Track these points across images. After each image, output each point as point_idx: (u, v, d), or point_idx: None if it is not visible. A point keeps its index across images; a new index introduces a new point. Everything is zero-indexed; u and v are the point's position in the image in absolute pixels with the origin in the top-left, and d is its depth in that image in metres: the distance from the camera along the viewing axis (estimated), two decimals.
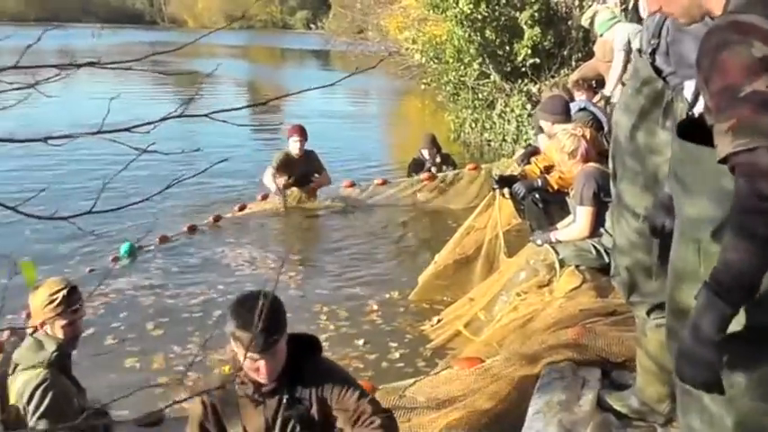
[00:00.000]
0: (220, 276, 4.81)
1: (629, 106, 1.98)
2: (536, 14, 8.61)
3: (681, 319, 1.40)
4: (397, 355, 3.66)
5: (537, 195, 4.07)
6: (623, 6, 5.76)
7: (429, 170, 6.58)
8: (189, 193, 6.33)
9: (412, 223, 6.10)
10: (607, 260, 3.26)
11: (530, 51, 8.70)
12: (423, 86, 11.11)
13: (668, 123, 1.88)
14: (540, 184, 4.03)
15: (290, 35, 42.45)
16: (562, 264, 3.45)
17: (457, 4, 8.52)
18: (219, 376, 2.04)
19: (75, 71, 1.04)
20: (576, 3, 8.83)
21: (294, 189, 6.18)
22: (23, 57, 1.02)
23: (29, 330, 2.43)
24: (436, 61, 9.99)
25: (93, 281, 4.48)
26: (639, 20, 4.96)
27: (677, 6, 1.41)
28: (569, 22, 8.94)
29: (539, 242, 3.62)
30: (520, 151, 6.43)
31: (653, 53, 1.89)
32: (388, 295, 4.42)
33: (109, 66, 1.07)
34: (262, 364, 1.89)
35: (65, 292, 2.35)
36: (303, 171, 6.27)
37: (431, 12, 9.66)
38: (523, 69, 8.97)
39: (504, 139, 9.17)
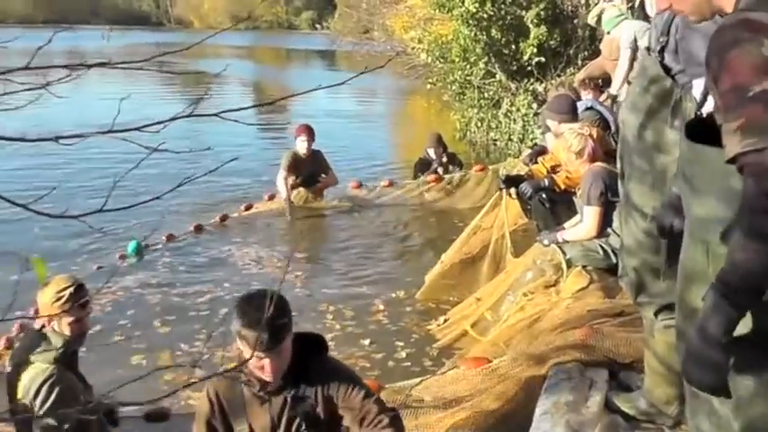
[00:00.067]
0: (227, 275, 4.82)
1: (637, 105, 1.97)
2: (542, 13, 8.58)
3: (690, 321, 1.39)
4: (403, 354, 3.66)
5: (544, 195, 4.05)
6: (630, 4, 5.73)
7: (435, 170, 6.57)
8: (196, 192, 6.35)
9: (418, 223, 6.10)
10: (614, 260, 3.25)
11: (536, 50, 8.68)
12: (428, 86, 11.10)
13: (676, 122, 1.87)
14: (546, 183, 4.02)
15: (295, 35, 42.52)
16: (569, 264, 3.44)
17: (463, 3, 8.50)
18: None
19: (85, 72, 1.04)
20: (583, 1, 8.80)
21: (301, 189, 6.19)
22: (34, 58, 1.03)
23: (36, 326, 2.46)
24: (442, 60, 9.97)
25: (100, 278, 4.52)
26: (646, 17, 4.95)
27: (687, 4, 1.40)
28: (575, 21, 8.91)
29: (546, 242, 3.61)
30: (526, 151, 6.42)
31: (661, 51, 1.87)
32: (394, 295, 4.42)
33: (119, 66, 1.08)
34: (267, 362, 1.89)
35: (72, 289, 2.37)
36: (310, 171, 6.29)
37: (437, 11, 9.64)
38: (529, 68, 8.94)
39: (509, 139, 9.15)
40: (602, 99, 5.15)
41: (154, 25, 51.21)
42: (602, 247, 3.45)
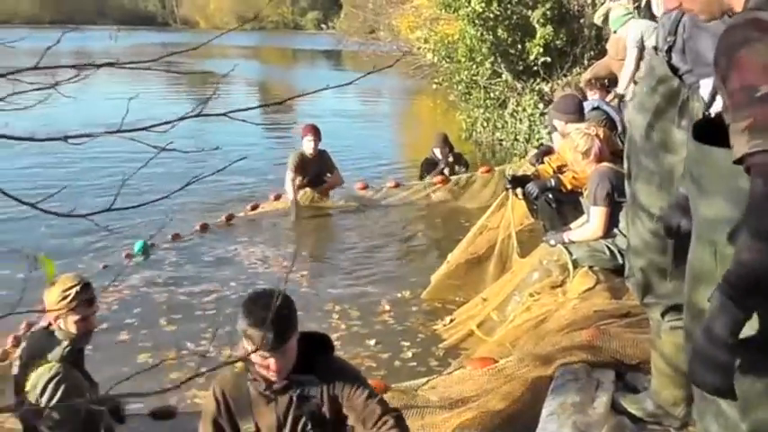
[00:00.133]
0: (233, 274, 4.83)
1: (645, 105, 1.96)
2: (548, 13, 8.56)
3: (698, 322, 1.38)
4: (409, 354, 3.65)
5: (550, 195, 4.04)
6: (636, 4, 5.71)
7: (442, 171, 6.57)
8: (202, 190, 6.37)
9: (424, 223, 6.09)
10: (621, 261, 3.24)
11: (542, 50, 8.65)
12: (434, 86, 11.09)
13: (684, 122, 1.86)
14: (553, 183, 4.01)
15: (301, 36, 42.58)
16: (575, 264, 3.43)
17: (469, 3, 8.49)
18: (231, 372, 2.06)
19: (94, 72, 1.05)
20: (589, 0, 8.77)
21: (307, 189, 6.20)
22: (46, 58, 1.03)
23: (43, 325, 2.47)
24: (448, 60, 9.96)
25: (107, 277, 4.54)
26: (652, 17, 4.92)
27: (697, 2, 1.39)
28: (581, 20, 8.88)
29: (552, 242, 3.60)
30: (532, 151, 6.40)
31: (669, 51, 1.86)
32: (400, 294, 4.41)
33: (127, 66, 1.08)
34: (272, 362, 1.90)
35: (78, 288, 2.39)
36: (316, 171, 6.30)
37: (443, 11, 9.63)
38: (535, 68, 8.92)
39: (515, 139, 9.13)
40: (608, 99, 5.13)
41: (160, 25, 51.37)
42: (608, 248, 3.44)
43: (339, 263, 5.17)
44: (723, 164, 1.28)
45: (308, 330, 2.12)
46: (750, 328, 1.25)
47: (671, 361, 2.06)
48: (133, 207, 1.14)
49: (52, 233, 5.36)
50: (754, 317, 1.25)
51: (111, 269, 4.76)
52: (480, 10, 8.44)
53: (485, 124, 9.75)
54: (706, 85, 1.73)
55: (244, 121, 1.08)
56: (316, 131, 6.26)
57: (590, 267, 3.41)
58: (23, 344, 2.49)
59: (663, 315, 2.05)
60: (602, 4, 6.03)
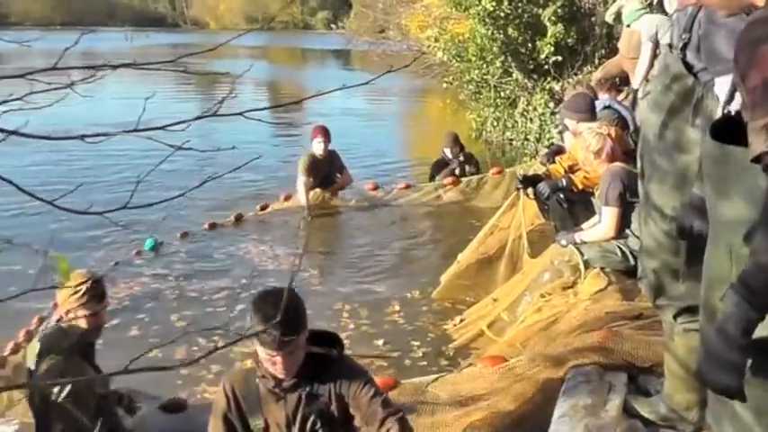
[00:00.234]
0: (244, 271, 4.85)
1: (659, 103, 1.93)
2: (559, 11, 8.51)
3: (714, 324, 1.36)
4: (419, 353, 3.64)
5: (561, 195, 4.01)
6: (648, 1, 5.65)
7: (453, 171, 6.56)
8: (211, 188, 6.37)
9: (435, 222, 6.08)
10: (633, 262, 3.21)
11: (553, 49, 8.60)
12: (444, 85, 11.06)
13: (698, 121, 1.83)
14: (564, 183, 3.97)
15: (310, 35, 42.63)
16: (587, 265, 3.40)
17: (480, 1, 8.46)
18: (241, 369, 2.06)
19: (110, 72, 1.06)
20: None
21: (317, 189, 6.21)
22: (53, 59, 1.04)
23: (54, 319, 2.50)
24: (458, 59, 9.93)
25: (117, 273, 4.59)
26: (665, 14, 4.87)
27: None
28: (593, 18, 8.82)
29: (563, 243, 3.57)
30: (543, 150, 6.37)
31: (684, 48, 1.83)
32: (410, 294, 4.40)
33: (144, 66, 1.09)
34: (280, 359, 1.91)
35: (89, 283, 2.44)
36: (327, 172, 6.31)
37: (453, 10, 9.61)
38: (546, 67, 8.87)
39: (526, 138, 9.09)
40: (620, 98, 5.09)
41: (169, 26, 51.61)
42: (620, 249, 3.41)
43: (349, 262, 5.16)
44: (741, 163, 1.25)
45: (317, 329, 2.12)
46: (763, 329, 1.23)
47: (684, 364, 2.03)
48: (149, 205, 1.14)
49: (62, 228, 5.41)
50: None
51: (121, 266, 4.81)
52: (491, 8, 8.42)
53: (495, 124, 9.72)
54: (721, 83, 1.69)
55: (260, 120, 1.08)
56: (325, 133, 6.26)
57: (601, 268, 3.38)
58: (35, 338, 2.52)
59: (675, 317, 2.02)
60: (614, 1, 5.98)
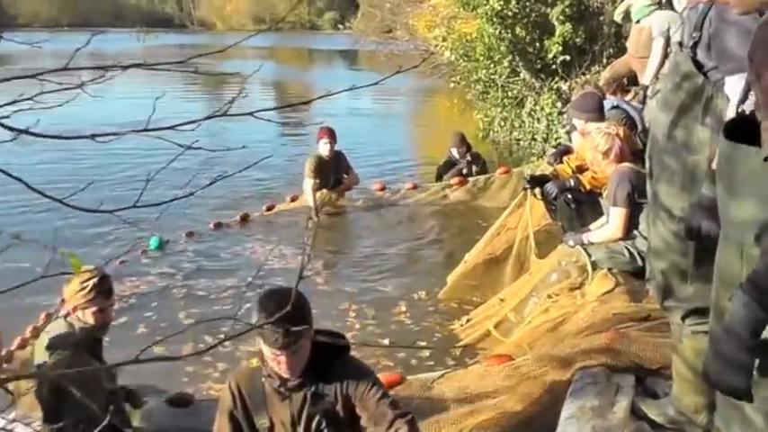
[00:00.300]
0: (250, 270, 4.84)
1: (668, 102, 1.92)
2: (567, 10, 8.48)
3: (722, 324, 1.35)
4: (426, 353, 3.64)
5: (569, 196, 4.00)
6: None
7: (460, 171, 6.55)
8: (218, 186, 6.38)
9: (442, 222, 6.07)
10: (640, 263, 3.19)
11: (560, 48, 8.57)
12: (452, 85, 11.05)
13: (707, 120, 1.81)
14: (572, 184, 3.96)
15: (318, 36, 42.68)
16: (594, 266, 3.39)
17: (487, 1, 8.44)
18: (247, 368, 2.07)
19: (119, 72, 1.07)
20: None
21: (324, 190, 6.22)
22: (60, 60, 1.05)
23: (62, 315, 2.53)
24: (466, 59, 9.91)
25: (124, 272, 4.62)
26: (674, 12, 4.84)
27: None
28: (601, 18, 8.78)
29: (571, 243, 3.56)
30: (550, 150, 6.34)
31: (694, 47, 1.81)
32: (416, 294, 4.39)
33: (154, 67, 1.09)
34: (283, 359, 1.92)
35: (96, 279, 2.45)
36: (334, 173, 6.31)
37: (461, 9, 9.59)
38: (554, 67, 8.85)
39: (533, 138, 9.07)
40: (628, 98, 5.06)
41: (177, 27, 51.78)
42: (628, 250, 3.39)
43: (356, 261, 5.16)
44: (754, 163, 1.24)
45: (323, 328, 2.12)
46: None
47: (692, 366, 2.01)
48: (158, 204, 1.15)
49: (68, 225, 5.45)
50: None
51: (128, 264, 4.84)
52: (499, 8, 8.40)
53: (502, 124, 9.70)
54: (731, 82, 1.68)
55: (269, 120, 1.08)
56: (331, 134, 6.27)
57: (609, 269, 3.36)
58: (43, 333, 2.54)
59: (683, 319, 2.01)
60: (623, 0, 5.95)
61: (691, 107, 1.85)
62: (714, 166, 1.61)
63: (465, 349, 3.61)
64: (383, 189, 6.56)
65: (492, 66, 9.33)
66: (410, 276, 4.79)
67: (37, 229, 5.23)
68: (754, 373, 1.24)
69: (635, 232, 3.42)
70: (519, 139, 9.43)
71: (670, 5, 4.96)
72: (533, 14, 8.64)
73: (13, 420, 2.48)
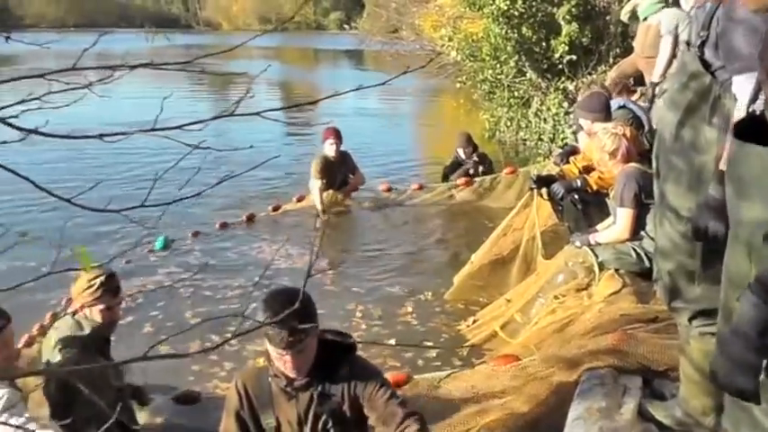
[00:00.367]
0: (257, 270, 4.87)
1: (676, 101, 1.90)
2: (573, 10, 8.46)
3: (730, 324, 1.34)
4: (433, 353, 3.64)
5: (576, 196, 3.98)
6: None
7: (467, 171, 6.54)
8: (224, 185, 6.40)
9: (448, 223, 6.07)
10: (647, 264, 3.18)
11: (567, 48, 8.56)
12: (458, 85, 11.04)
13: (715, 120, 1.80)
14: (579, 184, 3.95)
15: (323, 36, 42.75)
16: (601, 267, 3.37)
17: (493, 0, 8.43)
18: (254, 367, 2.07)
19: (127, 72, 1.07)
20: None
21: (330, 191, 6.22)
22: (67, 60, 1.05)
23: (69, 313, 2.55)
24: (472, 59, 9.91)
25: (130, 271, 4.64)
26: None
27: None
28: (607, 17, 8.76)
29: (577, 244, 3.54)
30: (556, 150, 6.33)
31: (701, 46, 1.80)
32: (422, 295, 4.39)
33: (161, 67, 1.10)
34: (289, 359, 1.92)
35: (103, 278, 2.47)
36: (339, 173, 6.31)
37: (467, 9, 9.58)
38: (560, 66, 8.83)
39: (540, 138, 9.05)
40: (634, 98, 5.04)
41: (183, 27, 51.93)
42: (634, 251, 3.37)
43: (362, 262, 5.16)
44: (763, 163, 1.23)
45: (330, 329, 2.12)
46: None
47: (700, 368, 2.00)
48: (165, 204, 1.16)
49: (75, 224, 5.47)
50: None
51: (134, 263, 4.87)
52: (505, 8, 8.39)
53: (508, 124, 9.68)
54: (739, 82, 1.67)
55: (276, 120, 1.09)
56: (337, 134, 6.27)
57: (616, 270, 3.35)
58: (50, 331, 2.55)
59: (690, 320, 2.00)
60: (629, 0, 5.93)
61: (698, 107, 1.83)
62: (722, 166, 1.60)
63: (472, 350, 3.61)
64: (389, 189, 6.58)
65: (498, 66, 9.32)
66: (416, 276, 4.79)
67: (44, 227, 5.26)
68: (763, 374, 1.24)
69: (642, 233, 3.40)
70: (525, 140, 9.42)
71: (677, 5, 4.94)
72: (540, 14, 8.62)
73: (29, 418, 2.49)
